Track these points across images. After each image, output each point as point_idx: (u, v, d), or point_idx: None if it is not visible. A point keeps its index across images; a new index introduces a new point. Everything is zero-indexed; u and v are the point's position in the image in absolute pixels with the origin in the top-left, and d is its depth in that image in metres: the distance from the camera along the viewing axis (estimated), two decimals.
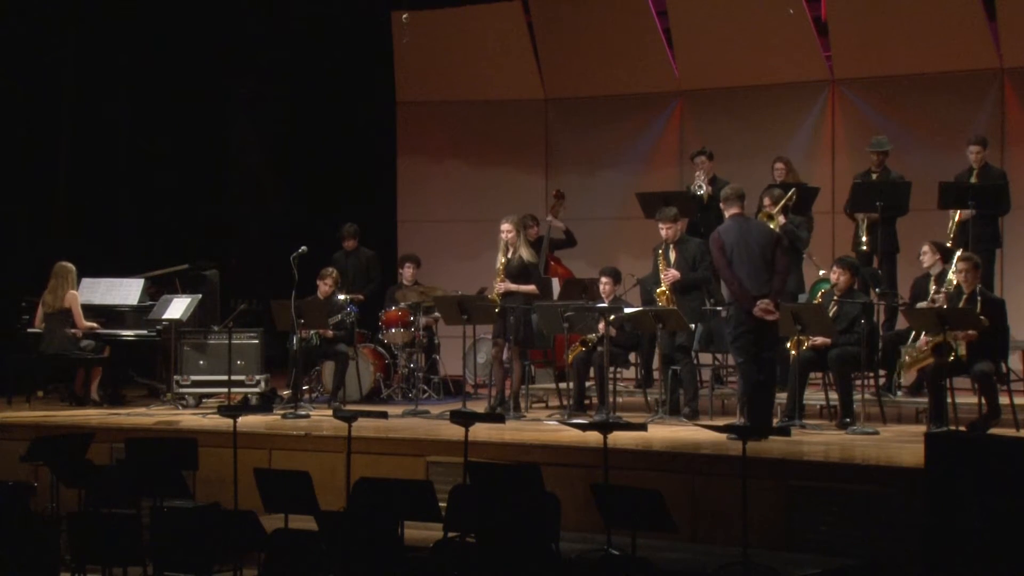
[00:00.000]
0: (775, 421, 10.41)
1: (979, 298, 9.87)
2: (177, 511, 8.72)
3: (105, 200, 15.55)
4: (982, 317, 9.70)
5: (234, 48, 16.16)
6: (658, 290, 11.09)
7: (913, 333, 10.36)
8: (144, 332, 12.67)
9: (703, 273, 11.14)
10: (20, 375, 12.83)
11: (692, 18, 14.69)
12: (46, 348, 12.39)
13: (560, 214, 13.44)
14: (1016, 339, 11.11)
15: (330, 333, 12.19)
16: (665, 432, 10.12)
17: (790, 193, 11.50)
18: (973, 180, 11.47)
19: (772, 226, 11.37)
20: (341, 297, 12.56)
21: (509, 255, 11.28)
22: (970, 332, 9.69)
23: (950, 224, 11.36)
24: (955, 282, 10.15)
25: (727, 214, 9.99)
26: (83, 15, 14.90)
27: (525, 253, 11.31)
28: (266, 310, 12.10)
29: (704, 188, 12.46)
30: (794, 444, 9.13)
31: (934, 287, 10.59)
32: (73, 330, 12.35)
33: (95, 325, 12.48)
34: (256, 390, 12.16)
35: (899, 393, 11.18)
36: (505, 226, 11.30)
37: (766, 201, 11.59)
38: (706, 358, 11.85)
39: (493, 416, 10.23)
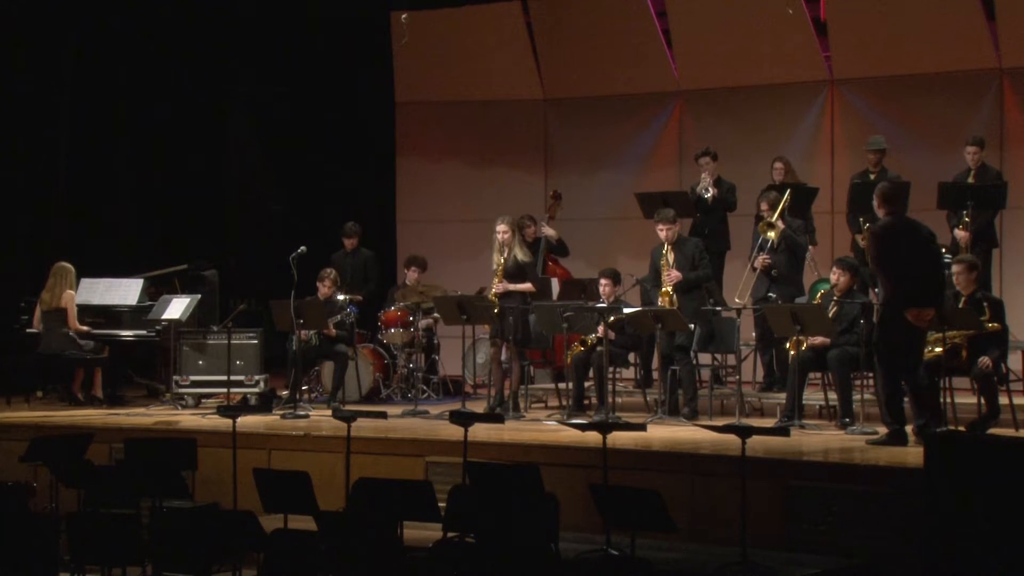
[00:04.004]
0: (775, 422, 10.43)
1: (984, 303, 9.88)
2: (176, 511, 8.73)
3: (105, 200, 15.55)
4: (994, 323, 9.71)
5: (234, 48, 16.16)
6: (661, 291, 11.06)
7: None
8: (143, 332, 12.67)
9: (704, 272, 11.14)
10: (19, 375, 12.83)
11: (691, 18, 14.70)
12: (44, 348, 12.38)
13: (558, 214, 13.44)
14: (1016, 339, 11.11)
15: (333, 331, 12.18)
16: (664, 432, 10.12)
17: (785, 196, 11.50)
18: (970, 180, 11.49)
19: (772, 233, 11.39)
20: (340, 297, 12.56)
21: (505, 255, 11.28)
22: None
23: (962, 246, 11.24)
24: None
25: (884, 212, 9.45)
26: (83, 13, 14.89)
27: (519, 253, 11.30)
28: (265, 310, 12.10)
29: (711, 190, 12.42)
30: (793, 444, 9.13)
31: None
32: (67, 329, 12.35)
33: (88, 328, 12.46)
34: (255, 390, 12.16)
35: None
36: (500, 227, 11.29)
37: (763, 206, 11.60)
38: (705, 358, 11.85)
39: (492, 416, 10.24)
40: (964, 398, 10.39)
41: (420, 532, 8.27)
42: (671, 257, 11.06)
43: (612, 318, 10.96)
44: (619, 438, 8.90)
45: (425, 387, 12.83)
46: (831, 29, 14.18)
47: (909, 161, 13.06)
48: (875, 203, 9.52)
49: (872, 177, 12.03)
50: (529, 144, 15.71)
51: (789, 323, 10.16)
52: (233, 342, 11.97)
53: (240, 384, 12.10)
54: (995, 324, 9.76)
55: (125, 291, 12.85)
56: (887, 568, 8.07)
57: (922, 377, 9.40)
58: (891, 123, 13.70)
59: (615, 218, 14.89)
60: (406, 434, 10.18)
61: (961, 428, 9.71)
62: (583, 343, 11.28)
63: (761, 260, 11.34)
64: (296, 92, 16.51)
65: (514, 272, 11.26)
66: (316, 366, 12.73)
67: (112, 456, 10.14)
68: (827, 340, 10.24)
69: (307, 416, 11.31)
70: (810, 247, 12.08)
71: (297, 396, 11.80)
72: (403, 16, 14.98)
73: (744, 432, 8.02)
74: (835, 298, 10.48)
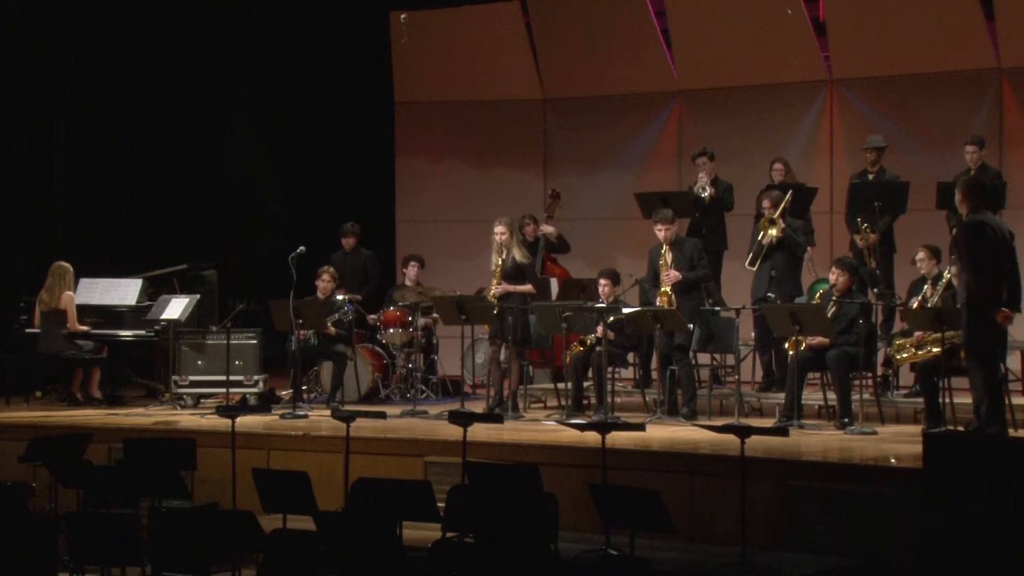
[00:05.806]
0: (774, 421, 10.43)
1: None
2: (175, 511, 8.72)
3: (104, 200, 15.55)
4: None
5: (234, 48, 16.16)
6: (660, 291, 11.05)
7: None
8: (142, 332, 12.66)
9: (703, 272, 11.13)
10: (18, 375, 12.83)
11: (690, 18, 14.70)
12: (43, 348, 12.38)
13: (556, 214, 13.43)
14: (1016, 339, 11.11)
15: (332, 330, 12.18)
16: (663, 432, 10.11)
17: (787, 195, 11.49)
18: None
19: (773, 231, 11.39)
20: (340, 297, 12.55)
21: (503, 256, 11.27)
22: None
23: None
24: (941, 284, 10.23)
25: (968, 207, 9.06)
26: (84, 15, 14.89)
27: (518, 254, 11.29)
28: (264, 310, 12.09)
29: (707, 190, 12.41)
30: (793, 444, 9.12)
31: (928, 289, 10.57)
32: (66, 330, 12.34)
33: (87, 328, 12.46)
34: (254, 390, 12.15)
35: (894, 394, 11.25)
36: (498, 228, 11.28)
37: (765, 204, 11.59)
38: (704, 358, 11.85)
39: (491, 416, 10.23)
40: (963, 398, 10.37)
41: (419, 532, 8.28)
42: (669, 257, 11.05)
43: (611, 318, 10.96)
44: (618, 438, 8.89)
45: (424, 387, 12.82)
46: (830, 29, 14.18)
47: (909, 161, 13.06)
48: (958, 197, 9.21)
49: (870, 177, 12.04)
50: (528, 144, 15.72)
51: (788, 323, 10.16)
52: (232, 342, 11.95)
53: (239, 384, 12.09)
54: None
55: (124, 291, 12.85)
56: (887, 568, 8.07)
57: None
58: (891, 123, 13.71)
59: (614, 218, 14.89)
60: (405, 434, 10.18)
61: (961, 428, 9.71)
62: (582, 343, 11.28)
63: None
64: (296, 92, 16.51)
65: (513, 273, 11.25)
66: (315, 366, 12.73)
67: (111, 456, 10.12)
68: (826, 340, 10.24)
69: (306, 416, 11.30)
70: (808, 248, 12.08)
71: (296, 396, 11.78)
72: (403, 16, 14.99)
73: (743, 432, 8.02)
74: (834, 298, 10.48)
